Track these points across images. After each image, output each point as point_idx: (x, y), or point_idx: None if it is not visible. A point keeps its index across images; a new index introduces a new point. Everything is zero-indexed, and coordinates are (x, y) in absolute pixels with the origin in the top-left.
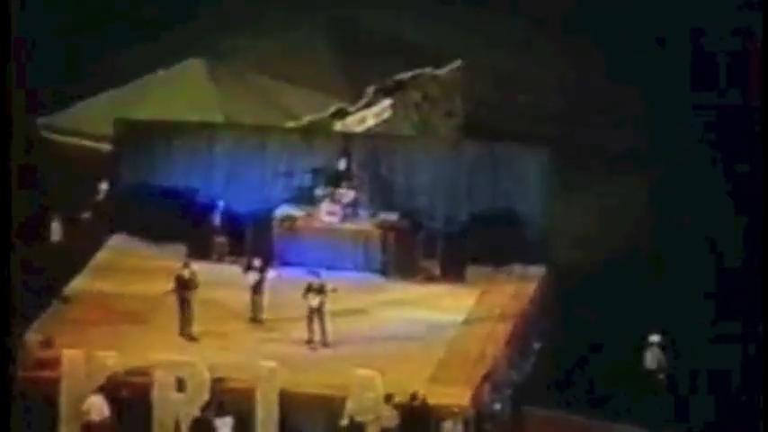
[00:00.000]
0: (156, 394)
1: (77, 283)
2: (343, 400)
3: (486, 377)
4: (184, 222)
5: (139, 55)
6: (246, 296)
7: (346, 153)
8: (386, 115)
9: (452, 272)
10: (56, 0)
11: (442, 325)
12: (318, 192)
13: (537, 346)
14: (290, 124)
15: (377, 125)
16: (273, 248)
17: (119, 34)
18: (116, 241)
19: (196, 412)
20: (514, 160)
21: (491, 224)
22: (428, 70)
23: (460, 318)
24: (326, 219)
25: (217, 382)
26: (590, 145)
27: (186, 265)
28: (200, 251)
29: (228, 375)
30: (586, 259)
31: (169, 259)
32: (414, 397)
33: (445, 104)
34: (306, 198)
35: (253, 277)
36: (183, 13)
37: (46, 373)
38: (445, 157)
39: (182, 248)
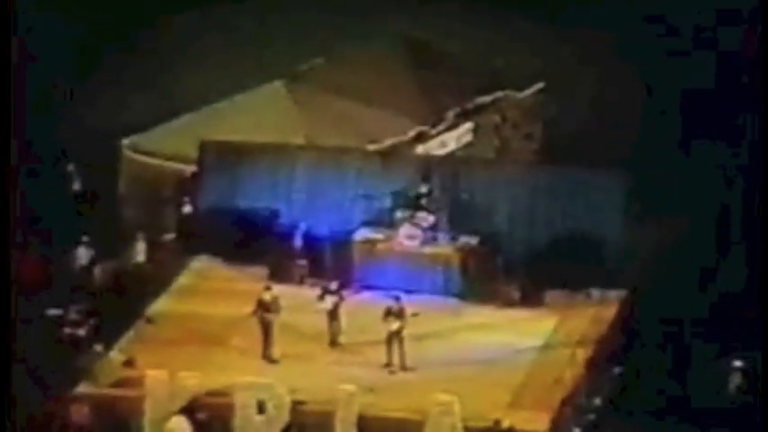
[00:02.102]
0: (237, 416)
1: (160, 304)
2: (421, 425)
3: (565, 402)
4: (266, 244)
5: (223, 77)
6: (324, 319)
7: (426, 176)
8: (466, 139)
9: (531, 296)
10: (138, 24)
11: (521, 349)
12: (398, 215)
13: (617, 370)
14: (371, 147)
15: (457, 148)
16: (353, 271)
17: (204, 57)
18: (198, 263)
19: None
20: (593, 184)
21: (570, 248)
22: (508, 93)
23: (540, 342)
24: (406, 242)
25: (296, 405)
26: (668, 168)
27: (268, 288)
28: (281, 273)
29: (308, 398)
30: (666, 282)
31: (250, 281)
32: (497, 423)
33: (525, 128)
34: (385, 221)
35: (329, 301)
36: (264, 35)
37: (129, 393)
38: (525, 181)
39: (263, 271)
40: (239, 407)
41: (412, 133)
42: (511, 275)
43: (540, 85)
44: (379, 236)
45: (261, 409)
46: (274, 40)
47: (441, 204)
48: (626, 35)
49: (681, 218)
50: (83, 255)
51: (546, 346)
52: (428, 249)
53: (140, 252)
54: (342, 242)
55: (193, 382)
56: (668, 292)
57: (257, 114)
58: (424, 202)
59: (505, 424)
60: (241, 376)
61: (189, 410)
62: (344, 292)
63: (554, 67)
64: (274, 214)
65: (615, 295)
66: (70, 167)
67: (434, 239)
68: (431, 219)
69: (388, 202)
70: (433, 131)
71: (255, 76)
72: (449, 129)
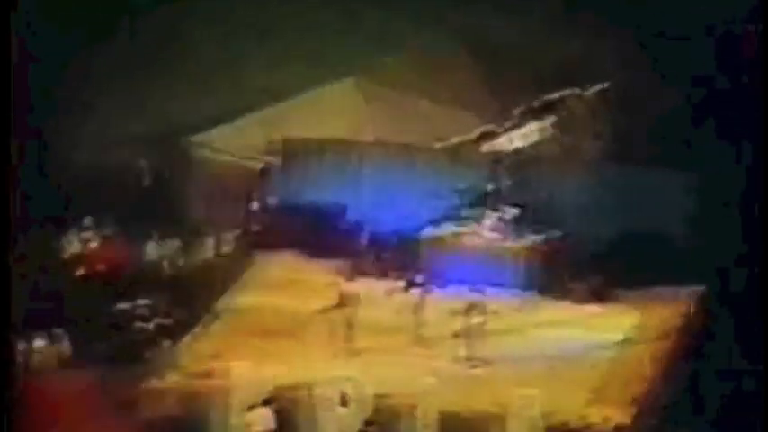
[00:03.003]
0: (319, 408)
1: (235, 298)
2: (502, 419)
3: (643, 398)
4: (334, 240)
5: (294, 74)
6: (402, 313)
7: (493, 174)
8: (533, 136)
9: (605, 292)
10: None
11: (598, 345)
12: (465, 212)
13: (692, 366)
14: (439, 145)
15: (524, 146)
16: (423, 266)
17: (275, 53)
18: (268, 257)
19: (359, 427)
20: (662, 181)
21: (642, 245)
22: (575, 91)
23: (616, 338)
24: (475, 238)
25: (378, 398)
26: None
27: (342, 282)
28: (352, 267)
29: (389, 392)
30: (740, 278)
31: (321, 275)
32: (581, 418)
33: (592, 126)
34: (453, 218)
35: (411, 295)
36: (335, 33)
37: (213, 384)
38: (592, 179)
39: (333, 264)
40: (322, 400)
41: (479, 131)
42: (583, 272)
43: (607, 83)
44: (447, 233)
45: (344, 401)
46: (345, 38)
47: (509, 201)
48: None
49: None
50: (155, 249)
51: (623, 342)
52: (497, 246)
53: (209, 248)
54: (409, 238)
55: (276, 374)
56: (739, 289)
57: (327, 111)
58: (492, 198)
59: (586, 420)
60: (322, 369)
61: (272, 402)
62: (424, 287)
63: (620, 66)
64: (343, 209)
65: (690, 291)
66: (142, 163)
67: (503, 237)
68: (499, 216)
69: (455, 200)
70: (500, 129)
71: (326, 74)
72: (516, 126)
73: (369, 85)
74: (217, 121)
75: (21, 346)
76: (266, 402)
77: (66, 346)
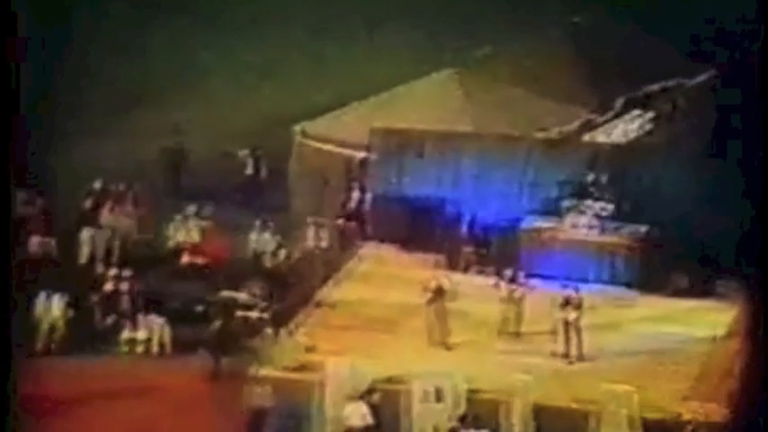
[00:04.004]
0: (414, 403)
1: (337, 290)
2: (597, 416)
3: (741, 393)
4: (433, 231)
5: (394, 64)
6: (497, 307)
7: (593, 165)
8: (634, 127)
9: (702, 286)
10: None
11: (695, 340)
12: (565, 204)
13: None
14: (539, 135)
15: (625, 137)
16: (520, 259)
17: (376, 43)
18: (369, 249)
19: (454, 423)
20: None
21: (738, 239)
22: (679, 81)
23: (713, 332)
24: (574, 231)
25: (472, 394)
26: None
27: (442, 275)
28: (449, 261)
29: (484, 387)
30: None
31: (421, 268)
32: (678, 416)
33: (695, 116)
34: (552, 210)
35: (505, 289)
36: (434, 24)
37: (309, 377)
38: (693, 170)
39: (430, 258)
40: (417, 394)
41: (580, 121)
42: (680, 265)
43: (711, 72)
44: (547, 224)
45: (438, 397)
46: (445, 29)
47: (609, 193)
48: None
49: None
50: (256, 239)
51: (720, 337)
52: (597, 238)
53: (310, 237)
54: (509, 230)
55: (372, 368)
56: None
57: (427, 102)
58: (591, 190)
59: (684, 417)
60: (417, 364)
61: (368, 397)
62: (519, 281)
63: (725, 56)
64: (442, 201)
65: None
66: (243, 152)
67: (603, 228)
68: (599, 207)
69: (555, 191)
70: (601, 120)
71: (425, 65)
72: (617, 117)
73: (468, 75)
74: (319, 110)
75: (124, 334)
76: (362, 396)
77: (168, 335)
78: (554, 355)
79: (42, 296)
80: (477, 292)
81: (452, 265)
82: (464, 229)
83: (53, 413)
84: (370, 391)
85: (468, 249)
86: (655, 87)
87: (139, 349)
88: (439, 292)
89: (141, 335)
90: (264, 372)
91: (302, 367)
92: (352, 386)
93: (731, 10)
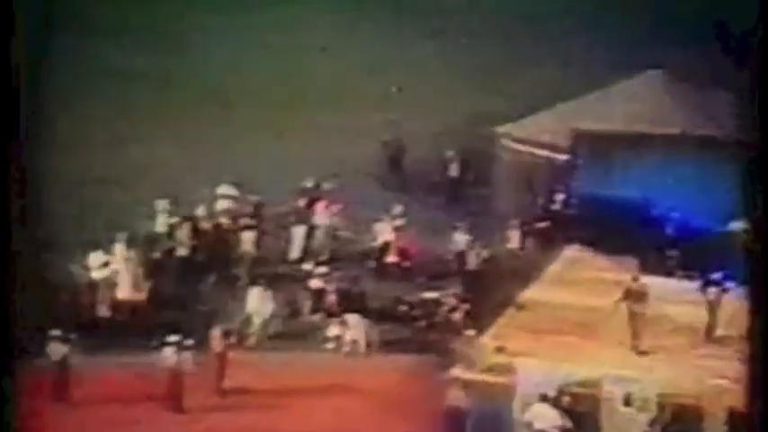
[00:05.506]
0: (603, 407)
1: (531, 292)
2: None
3: None
4: (637, 234)
5: (594, 67)
6: (698, 311)
7: None
8: None
9: None
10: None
11: None
12: None
13: None
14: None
15: None
16: (731, 264)
17: (579, 48)
18: (570, 252)
19: (644, 428)
20: None
21: None
22: None
23: None
24: None
25: (664, 398)
26: None
27: (636, 279)
28: (653, 263)
29: (676, 392)
30: None
31: (620, 272)
32: None
33: None
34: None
35: (711, 293)
36: (632, 25)
37: (500, 378)
38: None
39: (633, 261)
40: (606, 398)
41: None
42: None
43: None
44: (744, 229)
45: (628, 401)
46: (651, 30)
47: None
48: None
49: None
50: (458, 240)
51: None
52: None
53: (513, 239)
54: (717, 233)
55: (562, 371)
56: None
57: (633, 103)
58: None
59: None
60: (609, 367)
61: (556, 400)
62: (721, 285)
63: None
64: (646, 204)
65: None
66: (449, 154)
67: None
68: None
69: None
70: None
71: (629, 65)
72: None
73: (673, 77)
74: (521, 112)
75: (330, 332)
76: (552, 399)
77: (372, 334)
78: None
79: (254, 291)
80: (677, 296)
81: (654, 269)
82: (669, 231)
83: (258, 406)
84: (560, 395)
85: (672, 252)
86: None
87: (344, 347)
88: (636, 296)
89: (346, 332)
90: (463, 373)
91: (496, 369)
92: (543, 389)
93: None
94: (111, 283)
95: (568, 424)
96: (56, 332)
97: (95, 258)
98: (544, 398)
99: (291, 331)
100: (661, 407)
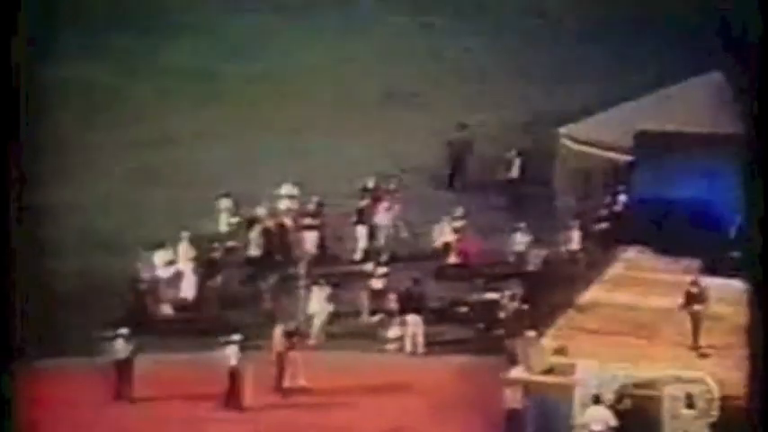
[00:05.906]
0: (664, 409)
1: (591, 293)
2: None
3: None
4: (698, 236)
5: (655, 67)
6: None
7: None
8: None
9: None
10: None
11: None
12: None
13: None
14: None
15: None
16: None
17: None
18: (630, 253)
19: (705, 430)
20: None
21: None
22: None
23: None
24: None
25: (726, 400)
26: None
27: (695, 282)
28: (714, 265)
29: (737, 393)
30: None
31: (681, 273)
32: None
33: None
34: None
35: None
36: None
37: (559, 380)
38: None
39: (695, 262)
40: (667, 400)
41: None
42: None
43: None
44: None
45: (689, 403)
46: (705, 29)
47: None
48: None
49: None
50: (518, 241)
51: None
52: None
53: (574, 240)
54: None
55: (622, 372)
56: None
57: (694, 104)
58: None
59: None
60: (670, 369)
61: (615, 401)
62: None
63: None
64: (708, 205)
65: None
66: (510, 154)
67: None
68: None
69: None
70: None
71: (685, 67)
72: None
73: (737, 78)
74: (583, 112)
75: (390, 332)
76: (610, 401)
77: (430, 334)
78: None
79: (315, 291)
80: (740, 297)
81: (715, 270)
82: (732, 233)
83: (317, 406)
84: (620, 397)
85: (734, 254)
86: None
87: (405, 347)
88: (697, 298)
89: (405, 332)
90: (522, 374)
91: (555, 370)
92: (601, 391)
93: None
94: (174, 282)
95: (628, 426)
96: (119, 330)
97: (160, 257)
98: (597, 399)
99: (351, 331)
100: (722, 409)
